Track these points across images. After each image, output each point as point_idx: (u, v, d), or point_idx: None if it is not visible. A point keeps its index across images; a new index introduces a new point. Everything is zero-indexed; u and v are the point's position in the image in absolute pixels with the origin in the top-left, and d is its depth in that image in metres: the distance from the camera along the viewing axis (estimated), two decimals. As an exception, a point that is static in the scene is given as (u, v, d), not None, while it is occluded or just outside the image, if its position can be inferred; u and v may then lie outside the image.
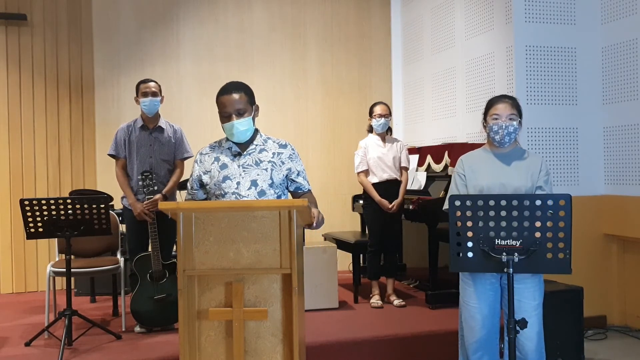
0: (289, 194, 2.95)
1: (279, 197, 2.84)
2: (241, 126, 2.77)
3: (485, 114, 3.08)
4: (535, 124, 4.85)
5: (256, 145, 2.85)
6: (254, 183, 2.78)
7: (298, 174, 2.90)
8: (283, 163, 2.86)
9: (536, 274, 2.91)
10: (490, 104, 3.08)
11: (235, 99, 2.75)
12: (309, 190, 2.96)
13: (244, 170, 2.79)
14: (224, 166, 2.81)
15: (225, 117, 2.77)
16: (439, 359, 3.98)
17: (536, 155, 3.18)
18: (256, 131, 2.89)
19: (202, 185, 2.88)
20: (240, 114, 2.75)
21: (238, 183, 2.77)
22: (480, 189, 2.98)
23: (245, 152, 2.83)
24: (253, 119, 2.83)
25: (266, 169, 2.80)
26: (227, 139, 2.87)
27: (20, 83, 5.92)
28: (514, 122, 3.00)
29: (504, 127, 2.98)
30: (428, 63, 6.29)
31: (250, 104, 2.81)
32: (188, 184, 2.96)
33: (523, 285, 2.90)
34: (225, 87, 2.81)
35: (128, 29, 6.20)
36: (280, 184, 2.85)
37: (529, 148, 4.81)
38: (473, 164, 3.08)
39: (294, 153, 2.91)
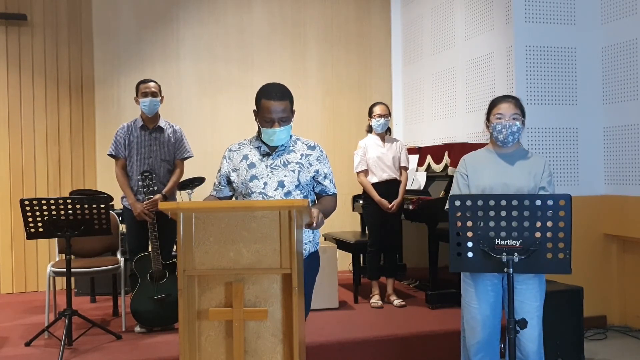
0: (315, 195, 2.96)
1: (305, 197, 2.85)
2: (282, 134, 2.78)
3: (489, 113, 3.07)
4: (535, 124, 4.85)
5: (285, 146, 2.86)
6: (280, 184, 2.79)
7: (325, 177, 2.91)
8: (311, 165, 2.86)
9: (538, 274, 2.91)
10: (494, 103, 3.07)
11: (282, 108, 2.75)
12: (334, 193, 2.96)
13: (271, 171, 2.80)
14: (252, 165, 2.82)
15: (267, 122, 2.77)
16: (439, 359, 3.98)
17: (539, 155, 3.18)
18: None
19: (229, 182, 2.89)
20: (283, 122, 2.76)
21: (265, 183, 2.78)
22: (482, 189, 2.97)
23: (274, 153, 2.83)
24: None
25: (293, 171, 2.81)
26: (257, 138, 2.88)
27: (20, 83, 5.92)
28: (517, 122, 2.99)
29: (507, 126, 2.98)
30: (428, 63, 6.29)
31: (292, 112, 2.82)
32: (215, 180, 2.95)
33: (525, 286, 2.90)
34: (272, 92, 2.78)
35: (128, 29, 6.20)
36: (307, 185, 2.86)
37: (529, 148, 4.81)
38: (476, 164, 3.07)
39: (322, 155, 2.92)
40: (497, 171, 3.01)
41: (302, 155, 2.86)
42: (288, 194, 2.79)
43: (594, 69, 5.00)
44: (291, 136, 2.90)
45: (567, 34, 4.94)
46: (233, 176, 2.86)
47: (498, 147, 3.07)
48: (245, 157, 2.85)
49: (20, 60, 5.91)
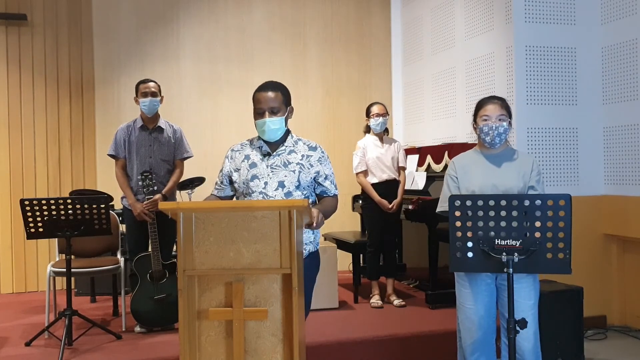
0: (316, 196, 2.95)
1: (306, 198, 2.84)
2: (273, 125, 2.78)
3: (475, 115, 3.09)
4: (535, 124, 4.85)
5: (286, 146, 2.86)
6: (281, 184, 2.78)
7: (326, 178, 2.91)
8: (312, 166, 2.86)
9: (532, 273, 2.92)
10: (480, 105, 3.09)
11: (271, 97, 2.77)
12: (335, 195, 2.96)
13: (272, 171, 2.80)
14: (253, 165, 2.83)
15: (258, 114, 2.79)
16: (439, 359, 3.98)
17: (527, 155, 3.18)
18: (287, 132, 2.89)
19: (231, 182, 2.89)
20: (273, 113, 2.77)
21: (266, 183, 2.78)
22: (472, 191, 2.99)
23: (274, 153, 2.83)
24: (286, 120, 2.84)
25: (294, 171, 2.81)
26: (259, 138, 2.88)
27: (20, 83, 5.92)
28: (504, 123, 3.00)
29: (494, 128, 2.99)
30: (428, 63, 6.29)
31: (285, 104, 2.82)
32: (217, 179, 2.96)
33: (518, 284, 2.89)
34: (263, 85, 2.83)
35: (128, 29, 6.20)
36: (308, 186, 2.86)
37: (529, 148, 4.81)
38: (465, 166, 3.09)
39: (323, 156, 2.91)
40: (486, 172, 3.02)
41: (303, 156, 2.86)
42: (288, 194, 2.79)
43: (593, 69, 5.00)
44: (292, 136, 2.90)
45: (567, 34, 4.94)
46: (235, 176, 2.86)
47: (486, 149, 3.08)
48: (247, 157, 2.86)
49: (20, 60, 5.91)
